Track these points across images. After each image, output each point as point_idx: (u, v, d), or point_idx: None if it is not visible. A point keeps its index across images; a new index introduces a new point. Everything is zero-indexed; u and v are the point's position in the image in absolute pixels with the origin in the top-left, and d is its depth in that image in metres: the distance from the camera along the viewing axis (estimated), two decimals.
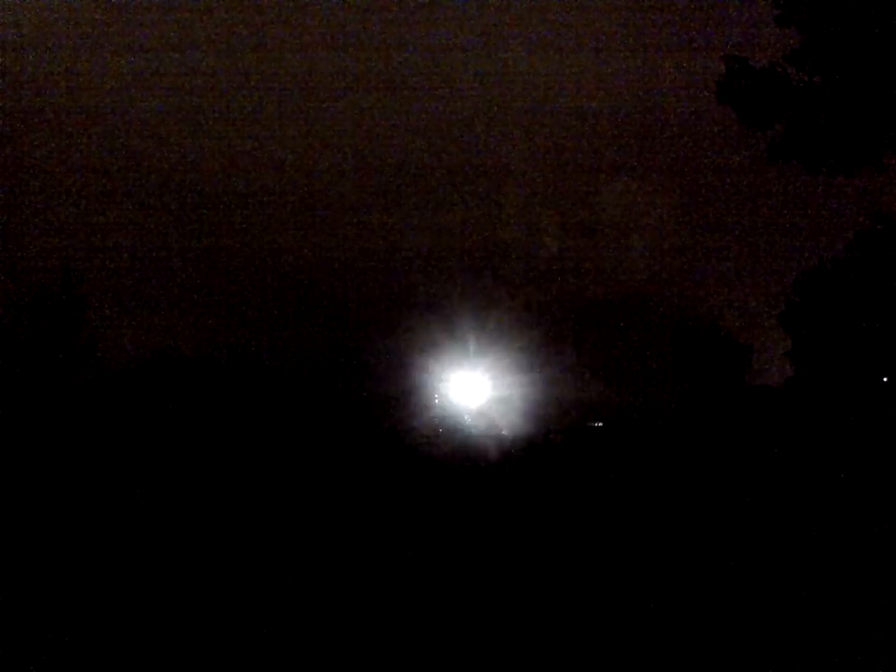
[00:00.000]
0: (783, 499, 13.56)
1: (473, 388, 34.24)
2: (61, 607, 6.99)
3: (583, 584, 7.79)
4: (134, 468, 17.58)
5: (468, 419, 32.78)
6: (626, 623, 6.32)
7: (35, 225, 44.59)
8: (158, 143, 52.86)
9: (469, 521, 12.36)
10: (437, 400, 33.18)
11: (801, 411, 24.87)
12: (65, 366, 23.11)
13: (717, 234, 46.39)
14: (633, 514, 12.56)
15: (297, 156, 57.70)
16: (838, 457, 17.97)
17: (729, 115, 16.73)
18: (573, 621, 6.47)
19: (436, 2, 60.94)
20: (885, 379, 26.06)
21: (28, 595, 7.28)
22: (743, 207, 45.41)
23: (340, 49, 60.10)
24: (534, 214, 57.25)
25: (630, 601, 6.97)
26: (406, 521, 12.50)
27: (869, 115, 14.87)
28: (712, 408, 30.00)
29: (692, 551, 9.42)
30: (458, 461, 22.92)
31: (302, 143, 59.07)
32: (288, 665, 5.57)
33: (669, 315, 38.73)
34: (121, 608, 6.91)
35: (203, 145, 55.39)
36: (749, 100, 15.67)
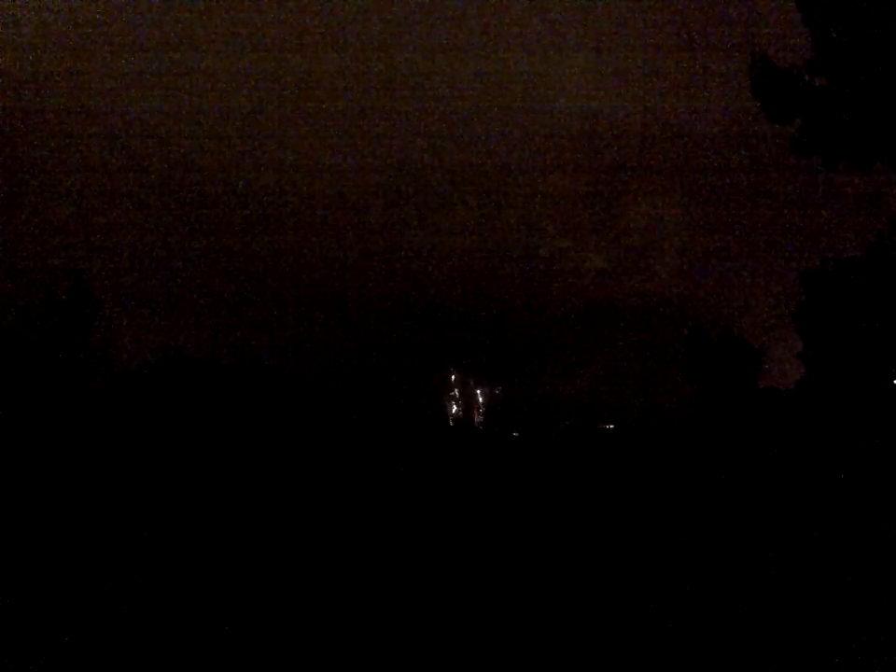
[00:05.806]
0: (793, 501, 13.57)
1: (484, 392, 34.29)
2: (68, 605, 6.93)
3: (590, 581, 7.76)
4: (146, 467, 17.52)
5: (479, 421, 32.85)
6: (634, 620, 6.32)
7: (35, 225, 44.33)
8: (158, 143, 52.63)
9: (478, 514, 12.31)
10: (452, 404, 33.24)
11: (812, 413, 24.94)
12: (78, 368, 23.04)
13: (725, 235, 46.57)
14: (642, 514, 12.51)
15: (297, 156, 57.58)
16: (849, 459, 18.03)
17: (731, 116, 16.98)
18: (578, 615, 6.47)
19: (436, 2, 60.92)
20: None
21: (33, 594, 7.22)
22: (751, 209, 45.57)
23: (340, 49, 60.03)
24: (535, 215, 57.32)
25: (638, 600, 6.95)
26: (419, 514, 12.46)
27: (884, 112, 15.10)
28: (723, 410, 30.07)
29: (702, 551, 9.40)
30: (470, 460, 22.93)
31: (302, 143, 58.93)
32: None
33: (679, 317, 38.85)
34: (131, 603, 6.85)
35: (203, 145, 55.17)
36: (774, 97, 16.08)
